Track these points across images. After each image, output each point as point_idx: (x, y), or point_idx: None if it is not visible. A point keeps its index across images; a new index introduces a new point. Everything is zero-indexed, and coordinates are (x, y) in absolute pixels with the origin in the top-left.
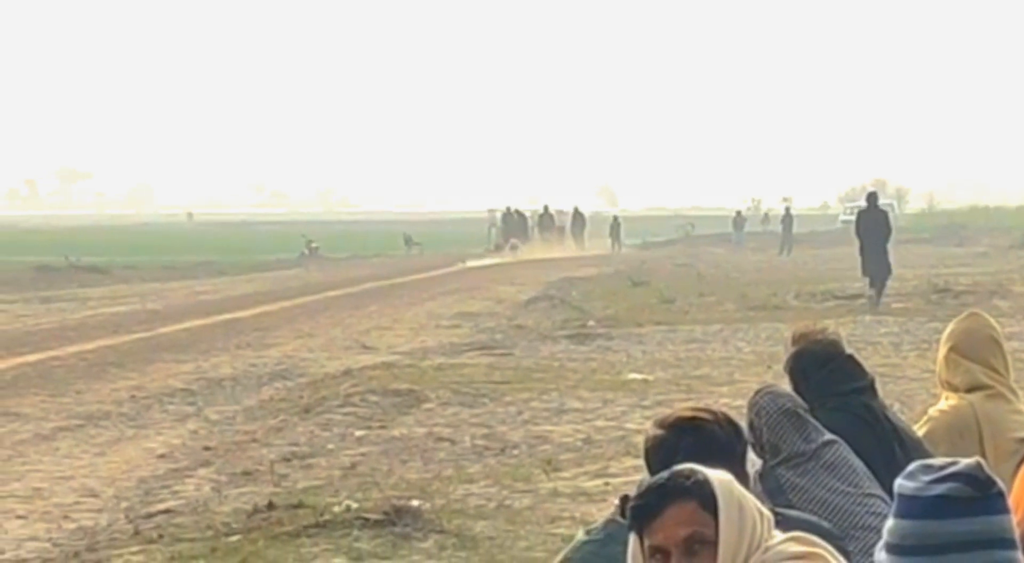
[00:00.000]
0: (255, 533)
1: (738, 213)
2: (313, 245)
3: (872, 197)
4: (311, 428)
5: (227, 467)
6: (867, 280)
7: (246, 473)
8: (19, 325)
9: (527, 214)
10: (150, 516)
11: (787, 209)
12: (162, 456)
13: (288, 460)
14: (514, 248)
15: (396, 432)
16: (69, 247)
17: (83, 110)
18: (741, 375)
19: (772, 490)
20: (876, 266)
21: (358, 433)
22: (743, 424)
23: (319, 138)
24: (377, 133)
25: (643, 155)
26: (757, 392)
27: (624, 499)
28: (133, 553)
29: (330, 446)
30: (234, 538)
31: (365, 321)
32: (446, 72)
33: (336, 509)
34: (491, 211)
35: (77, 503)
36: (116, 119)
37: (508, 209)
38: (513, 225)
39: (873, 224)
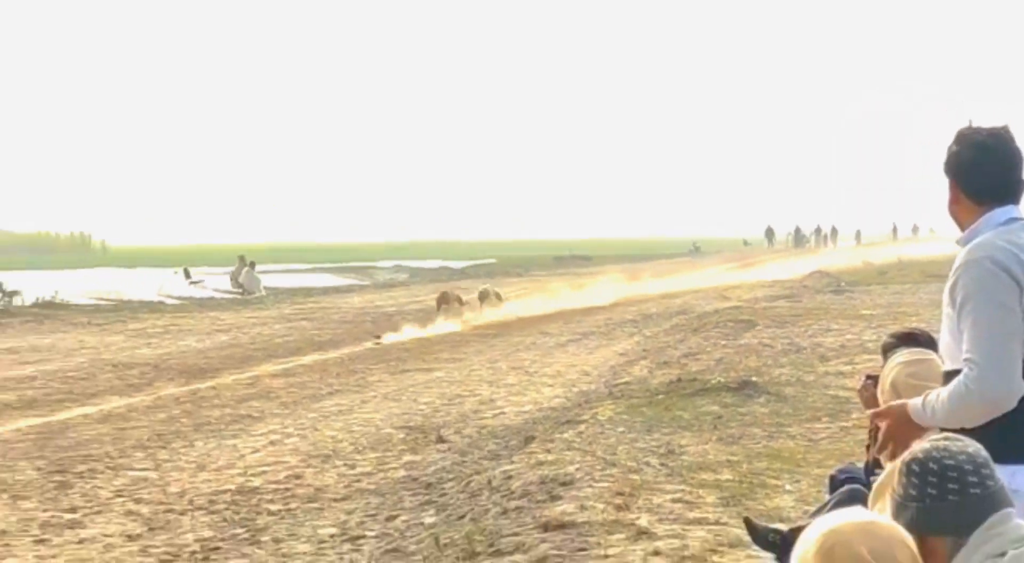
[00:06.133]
0: (672, 394)
1: None
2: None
3: None
4: (698, 340)
5: (655, 359)
6: None
7: (665, 363)
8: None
9: (802, 229)
10: (616, 385)
11: None
12: (621, 354)
13: (687, 355)
14: (448, 309)
15: (742, 341)
16: None
17: None
18: None
19: None
20: None
21: (722, 342)
22: None
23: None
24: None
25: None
26: None
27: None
28: (607, 405)
29: (708, 348)
30: (660, 396)
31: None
32: (729, 108)
33: (712, 382)
34: (769, 229)
35: (579, 378)
36: None
37: (770, 228)
38: (771, 240)
39: None
